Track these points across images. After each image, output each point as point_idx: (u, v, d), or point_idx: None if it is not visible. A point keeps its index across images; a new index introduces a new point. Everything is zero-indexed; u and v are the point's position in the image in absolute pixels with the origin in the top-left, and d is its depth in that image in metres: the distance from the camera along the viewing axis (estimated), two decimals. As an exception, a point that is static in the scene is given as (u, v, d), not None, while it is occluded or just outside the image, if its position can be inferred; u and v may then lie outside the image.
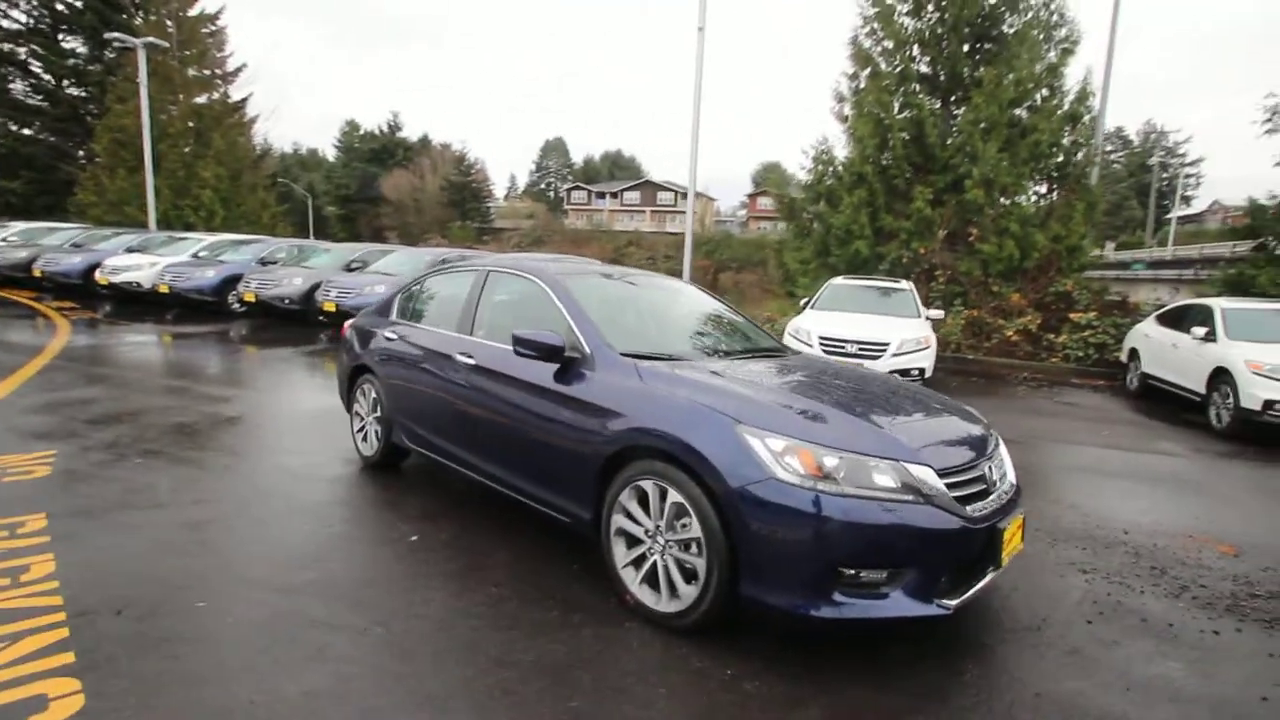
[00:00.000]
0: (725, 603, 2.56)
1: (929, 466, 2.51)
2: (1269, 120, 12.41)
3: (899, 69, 13.92)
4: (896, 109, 13.70)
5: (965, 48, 13.79)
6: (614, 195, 65.10)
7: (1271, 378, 6.65)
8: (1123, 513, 4.48)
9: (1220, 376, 7.27)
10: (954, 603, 2.48)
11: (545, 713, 2.19)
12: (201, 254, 14.65)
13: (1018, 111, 13.34)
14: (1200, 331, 7.83)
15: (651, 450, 2.78)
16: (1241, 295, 10.82)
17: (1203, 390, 7.58)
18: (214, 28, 25.36)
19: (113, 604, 2.69)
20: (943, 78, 14.06)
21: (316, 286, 12.47)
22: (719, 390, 2.83)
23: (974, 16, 13.56)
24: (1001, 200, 12.98)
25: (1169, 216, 40.82)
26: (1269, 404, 6.62)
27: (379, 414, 4.55)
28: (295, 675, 2.31)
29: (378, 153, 56.10)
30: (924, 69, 14.19)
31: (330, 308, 11.68)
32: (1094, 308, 12.10)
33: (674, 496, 2.67)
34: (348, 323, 5.31)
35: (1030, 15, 13.56)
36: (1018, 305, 12.45)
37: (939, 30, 13.85)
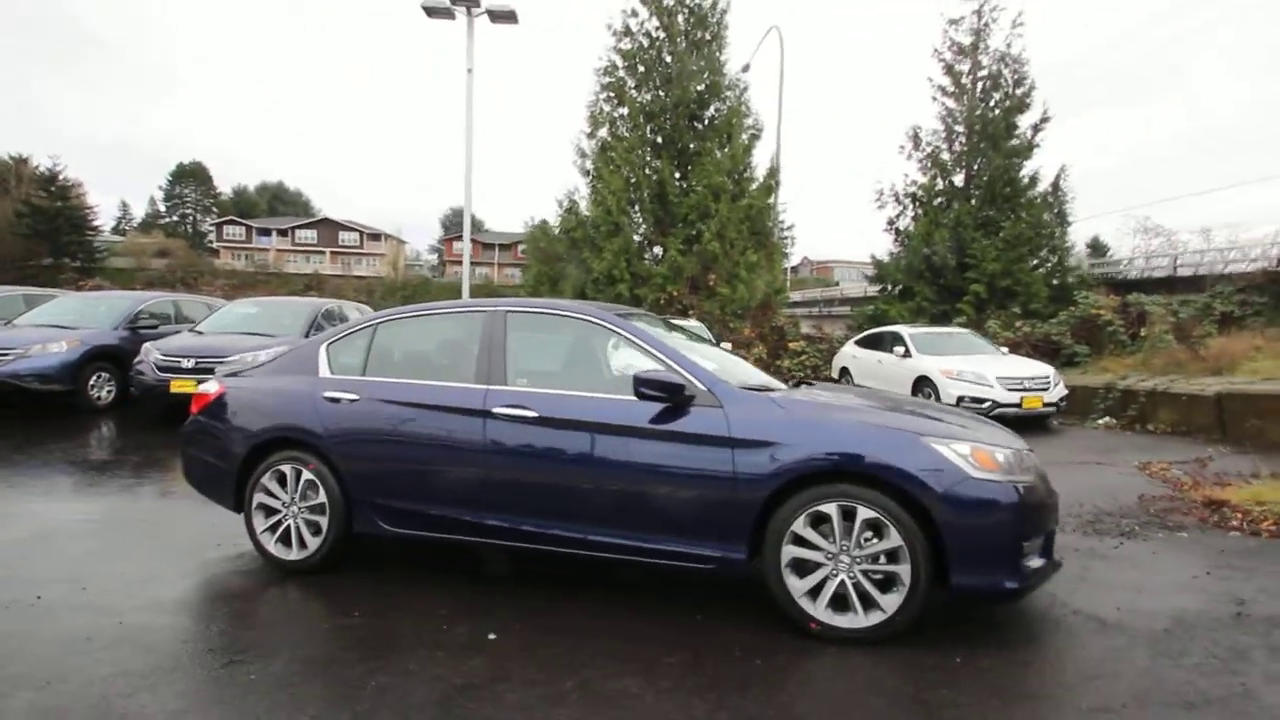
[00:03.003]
0: (926, 601, 2.84)
1: (1033, 452, 3.22)
2: (878, 199, 17.47)
3: (637, 134, 15.76)
4: (641, 169, 15.46)
5: (685, 123, 16.31)
6: (283, 233, 56.91)
7: (961, 379, 9.46)
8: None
9: (922, 382, 10.02)
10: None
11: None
12: None
13: (727, 180, 16.27)
14: (900, 350, 10.67)
15: (832, 474, 2.92)
16: (878, 325, 14.91)
17: (909, 395, 10.31)
18: None
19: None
20: (670, 147, 16.36)
21: (-78, 348, 8.56)
22: (870, 411, 3.13)
23: (688, 100, 16.17)
24: (729, 251, 15.59)
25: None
26: (960, 399, 9.39)
27: (317, 500, 3.63)
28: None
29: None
30: (654, 137, 16.32)
31: (-34, 377, 8.13)
32: (800, 338, 15.27)
33: (865, 514, 2.87)
34: (209, 389, 4.06)
35: (728, 105, 16.74)
36: (748, 338, 15.00)
37: (664, 107, 16.14)
